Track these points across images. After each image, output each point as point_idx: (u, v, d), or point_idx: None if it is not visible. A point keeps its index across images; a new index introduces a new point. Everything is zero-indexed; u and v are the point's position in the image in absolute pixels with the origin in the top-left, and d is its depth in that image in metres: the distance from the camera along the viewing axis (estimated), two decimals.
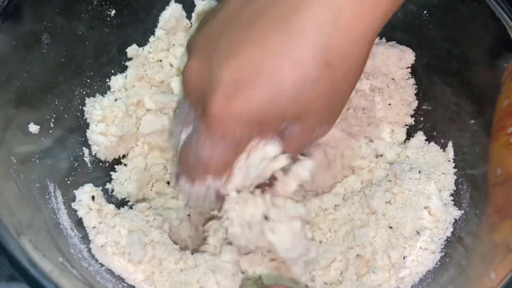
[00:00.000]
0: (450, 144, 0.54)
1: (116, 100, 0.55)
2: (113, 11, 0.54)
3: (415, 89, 0.58)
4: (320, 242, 0.50)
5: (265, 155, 0.42)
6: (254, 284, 0.48)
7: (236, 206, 0.44)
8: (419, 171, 0.52)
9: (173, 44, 0.59)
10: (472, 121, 0.52)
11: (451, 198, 0.52)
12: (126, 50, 0.57)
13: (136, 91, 0.56)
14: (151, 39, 0.59)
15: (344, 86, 0.41)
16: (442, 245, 0.49)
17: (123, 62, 0.57)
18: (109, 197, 0.52)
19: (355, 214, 0.52)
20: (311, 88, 0.39)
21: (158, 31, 0.59)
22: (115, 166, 0.54)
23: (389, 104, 0.58)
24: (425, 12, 0.55)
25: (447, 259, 0.48)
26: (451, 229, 0.50)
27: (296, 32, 0.38)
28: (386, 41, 0.59)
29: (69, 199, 0.48)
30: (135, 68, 0.57)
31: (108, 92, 0.56)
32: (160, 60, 0.59)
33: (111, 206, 0.49)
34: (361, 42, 0.39)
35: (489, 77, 0.51)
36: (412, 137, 0.57)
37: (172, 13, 0.59)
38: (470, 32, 0.52)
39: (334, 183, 0.55)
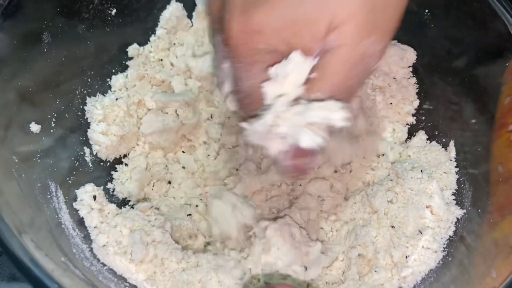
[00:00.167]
0: (451, 143, 0.54)
1: (117, 99, 0.55)
2: (114, 11, 0.54)
3: (417, 88, 0.58)
4: (322, 241, 0.50)
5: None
6: (258, 284, 0.48)
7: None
8: (421, 170, 0.52)
9: (174, 43, 0.59)
10: (474, 120, 0.52)
11: (453, 197, 0.52)
12: (127, 50, 0.57)
13: (137, 91, 0.56)
14: (152, 38, 0.59)
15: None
16: (444, 244, 0.49)
17: (124, 62, 0.57)
18: (110, 196, 0.52)
19: (357, 214, 0.52)
20: None
21: (159, 30, 0.59)
22: (116, 166, 0.54)
23: (391, 103, 0.58)
24: (426, 11, 0.55)
25: (450, 258, 0.48)
26: (453, 228, 0.50)
27: None
28: None
29: (71, 198, 0.48)
30: (136, 68, 0.57)
31: (109, 91, 0.56)
32: (161, 59, 0.59)
33: (113, 206, 0.49)
34: None
35: (491, 76, 0.51)
36: (414, 136, 0.57)
37: (173, 12, 0.59)
38: (471, 31, 0.52)
39: (347, 162, 0.54)
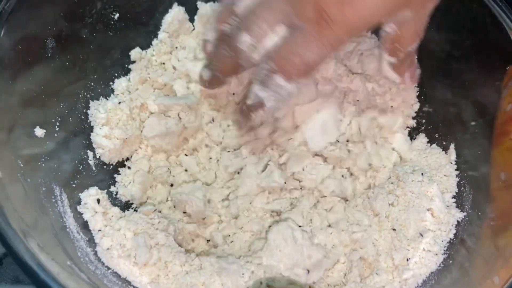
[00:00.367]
0: (452, 146, 0.55)
1: (119, 103, 0.55)
2: (117, 15, 0.55)
3: (417, 91, 0.58)
4: (324, 244, 0.50)
5: None
6: (260, 287, 0.48)
7: None
8: (422, 174, 0.52)
9: (176, 47, 0.60)
10: (473, 123, 0.52)
11: (454, 200, 0.52)
12: (130, 53, 0.58)
13: (140, 94, 0.56)
14: (154, 42, 0.59)
15: None
16: (445, 247, 0.50)
17: (126, 65, 0.58)
18: (113, 199, 0.52)
19: (358, 216, 0.52)
20: None
21: (161, 34, 0.59)
22: (119, 169, 0.55)
23: (391, 106, 0.58)
24: None
25: (450, 261, 0.49)
26: (453, 231, 0.50)
27: None
28: None
29: (75, 202, 0.48)
30: (139, 71, 0.58)
31: (112, 95, 0.56)
32: (163, 63, 0.59)
33: (116, 209, 0.50)
34: None
35: (490, 79, 0.51)
36: (414, 139, 0.58)
37: (175, 16, 0.59)
38: (471, 35, 0.52)
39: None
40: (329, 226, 0.51)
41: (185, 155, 0.56)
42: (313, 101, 0.54)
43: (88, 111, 0.53)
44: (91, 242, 0.47)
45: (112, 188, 0.53)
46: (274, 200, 0.53)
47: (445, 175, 0.53)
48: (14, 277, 0.54)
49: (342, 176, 0.54)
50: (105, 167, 0.54)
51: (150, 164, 0.55)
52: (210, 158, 0.56)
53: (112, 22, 0.55)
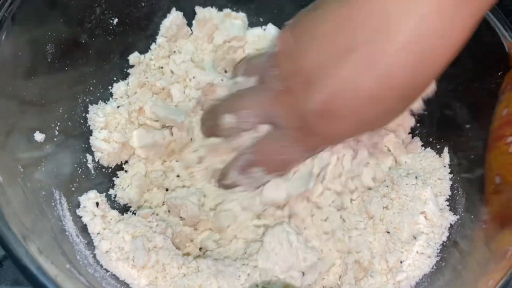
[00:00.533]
0: (445, 149, 0.55)
1: (118, 107, 0.56)
2: (116, 20, 0.55)
3: None
4: (319, 247, 0.51)
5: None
6: None
7: None
8: (416, 177, 0.53)
9: (174, 51, 0.60)
10: (468, 126, 0.53)
11: (447, 203, 0.53)
12: (128, 58, 0.58)
13: (138, 98, 0.56)
14: (153, 46, 0.60)
15: None
16: (438, 249, 0.50)
17: (125, 69, 0.58)
18: (112, 202, 0.53)
19: (353, 220, 0.52)
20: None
21: (159, 39, 0.60)
22: (117, 172, 0.55)
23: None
24: None
25: (443, 263, 0.49)
26: (446, 234, 0.51)
27: None
28: None
29: (74, 205, 0.49)
30: (137, 75, 0.58)
31: (111, 99, 0.57)
32: (161, 67, 0.60)
33: (115, 212, 0.50)
34: None
35: (484, 83, 0.52)
36: (409, 142, 0.58)
37: (173, 21, 0.59)
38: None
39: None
40: (323, 228, 0.52)
41: (176, 161, 0.56)
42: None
43: (87, 115, 0.54)
44: (90, 245, 0.47)
45: (111, 191, 0.54)
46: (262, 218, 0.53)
47: (439, 179, 0.54)
48: (14, 279, 0.55)
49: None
50: (104, 170, 0.54)
51: (147, 168, 0.56)
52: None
53: (111, 27, 0.55)
